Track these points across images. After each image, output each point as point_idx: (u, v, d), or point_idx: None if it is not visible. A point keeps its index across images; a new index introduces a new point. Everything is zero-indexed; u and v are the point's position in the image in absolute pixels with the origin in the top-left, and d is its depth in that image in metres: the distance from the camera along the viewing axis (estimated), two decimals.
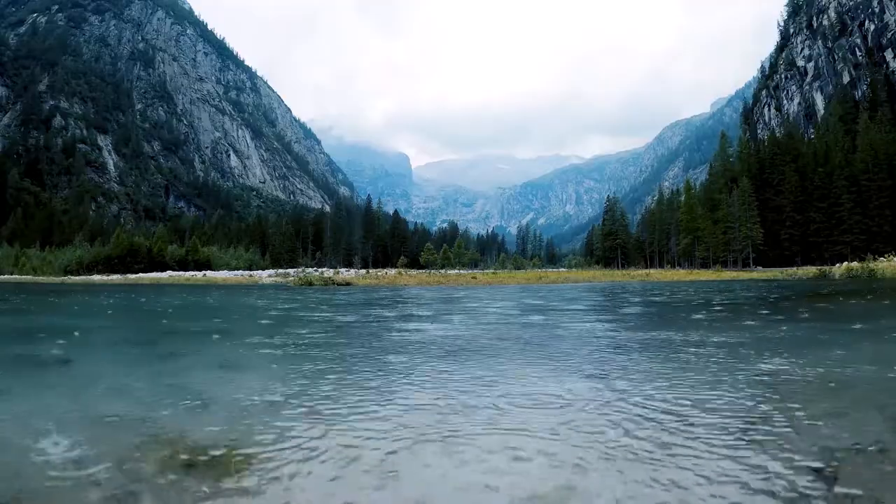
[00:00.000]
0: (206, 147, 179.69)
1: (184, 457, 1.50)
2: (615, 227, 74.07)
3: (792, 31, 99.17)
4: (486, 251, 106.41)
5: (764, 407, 2.03)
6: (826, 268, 26.22)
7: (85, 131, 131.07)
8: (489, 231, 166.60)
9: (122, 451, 1.56)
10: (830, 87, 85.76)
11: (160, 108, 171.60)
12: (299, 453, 1.55)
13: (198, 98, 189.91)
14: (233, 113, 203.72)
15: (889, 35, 78.17)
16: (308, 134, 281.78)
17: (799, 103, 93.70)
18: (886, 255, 26.01)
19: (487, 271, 48.61)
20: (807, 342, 4.07)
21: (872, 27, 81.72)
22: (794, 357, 3.16)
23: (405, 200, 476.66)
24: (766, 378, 2.57)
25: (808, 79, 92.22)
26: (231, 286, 22.63)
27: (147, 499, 1.25)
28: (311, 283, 21.18)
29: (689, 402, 2.10)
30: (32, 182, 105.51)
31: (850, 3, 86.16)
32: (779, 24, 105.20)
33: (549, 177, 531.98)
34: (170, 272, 44.00)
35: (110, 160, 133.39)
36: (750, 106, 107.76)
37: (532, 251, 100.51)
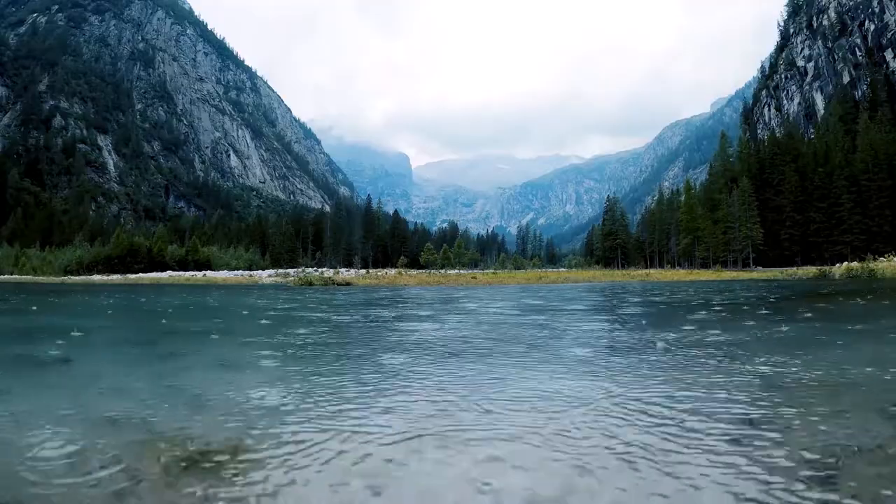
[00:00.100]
0: (206, 147, 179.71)
1: (184, 457, 1.50)
2: (615, 227, 74.08)
3: (792, 31, 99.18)
4: (486, 251, 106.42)
5: (763, 407, 2.03)
6: (826, 268, 26.22)
7: (85, 131, 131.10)
8: (489, 231, 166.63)
9: (122, 451, 1.56)
10: (830, 87, 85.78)
11: (160, 108, 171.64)
12: (299, 453, 1.54)
13: (198, 98, 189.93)
14: (233, 113, 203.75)
15: (889, 35, 78.18)
16: (308, 134, 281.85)
17: (799, 103, 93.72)
18: (886, 255, 26.01)
19: (487, 271, 48.61)
20: (806, 342, 4.07)
21: (872, 27, 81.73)
22: (794, 357, 3.16)
23: (405, 200, 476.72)
24: (765, 378, 2.57)
25: (808, 79, 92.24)
26: (231, 286, 22.63)
27: (147, 499, 1.25)
28: (311, 284, 21.18)
29: (688, 402, 2.10)
30: (32, 182, 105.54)
31: (850, 3, 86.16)
32: (779, 24, 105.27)
33: (549, 177, 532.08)
34: (170, 272, 44.00)
35: (110, 160, 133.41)
36: (750, 106, 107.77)
37: (532, 251, 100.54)
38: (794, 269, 36.02)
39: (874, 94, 70.89)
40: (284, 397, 2.27)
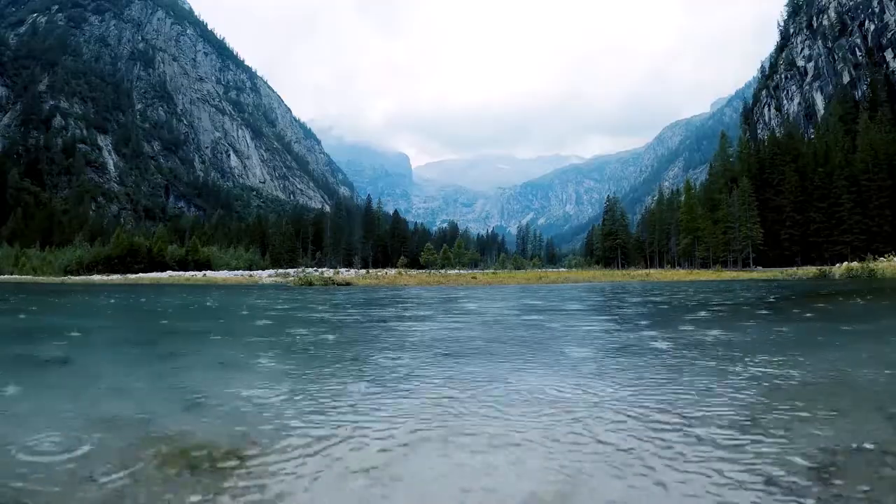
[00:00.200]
0: (206, 147, 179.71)
1: (184, 457, 1.50)
2: (615, 227, 74.06)
3: (792, 31, 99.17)
4: (486, 251, 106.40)
5: (763, 407, 2.04)
6: (826, 268, 26.22)
7: (85, 131, 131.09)
8: (489, 231, 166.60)
9: (122, 451, 1.56)
10: (830, 87, 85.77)
11: (160, 108, 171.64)
12: (299, 453, 1.55)
13: (198, 98, 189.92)
14: (233, 113, 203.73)
15: (889, 35, 78.17)
16: (308, 134, 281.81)
17: (799, 103, 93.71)
18: (886, 255, 26.01)
19: (487, 271, 48.61)
20: (806, 342, 4.07)
21: (872, 27, 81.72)
22: (794, 357, 3.17)
23: (405, 200, 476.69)
24: (765, 378, 2.57)
25: (808, 79, 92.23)
26: (231, 286, 22.63)
27: (147, 499, 1.25)
28: (311, 284, 21.18)
29: (687, 403, 2.11)
30: (32, 182, 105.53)
31: (850, 3, 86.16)
32: (779, 24, 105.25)
33: (549, 177, 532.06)
34: (170, 272, 44.00)
35: (110, 160, 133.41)
36: (750, 106, 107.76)
37: (532, 251, 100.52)
38: (794, 269, 36.02)
39: (874, 94, 70.87)
40: (284, 397, 2.27)
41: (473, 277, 27.67)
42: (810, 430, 1.73)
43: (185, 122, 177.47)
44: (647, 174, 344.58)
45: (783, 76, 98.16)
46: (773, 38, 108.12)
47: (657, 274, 31.97)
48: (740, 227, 53.03)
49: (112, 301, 11.83)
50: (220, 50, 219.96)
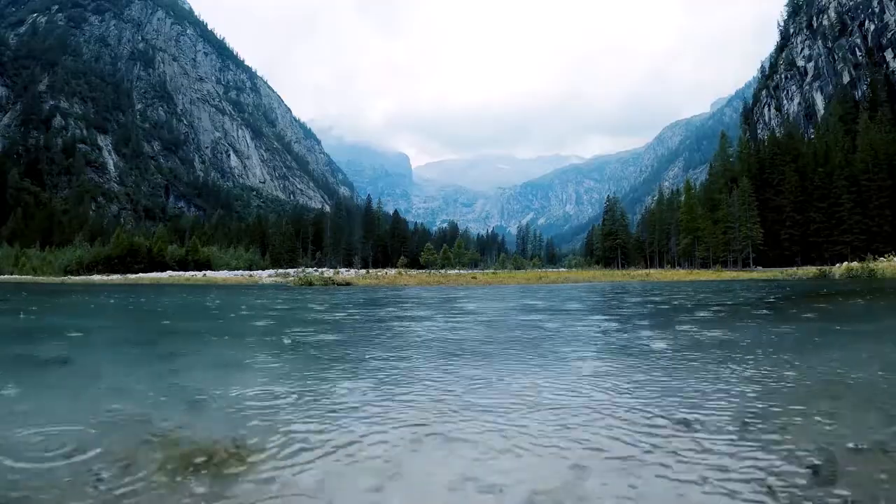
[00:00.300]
0: (206, 147, 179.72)
1: (184, 457, 1.50)
2: (615, 227, 74.07)
3: (792, 31, 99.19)
4: (486, 251, 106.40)
5: (762, 407, 2.04)
6: (826, 268, 26.21)
7: (85, 131, 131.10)
8: (489, 231, 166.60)
9: (122, 451, 1.56)
10: (830, 87, 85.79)
11: (160, 108, 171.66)
12: (299, 453, 1.55)
13: (198, 98, 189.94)
14: (233, 113, 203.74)
15: (889, 35, 78.18)
16: (308, 134, 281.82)
17: (799, 103, 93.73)
18: (886, 255, 26.01)
19: (487, 271, 48.61)
20: (806, 343, 4.07)
21: (872, 27, 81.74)
22: (793, 358, 3.17)
23: (405, 200, 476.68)
24: (764, 378, 2.57)
25: (808, 79, 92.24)
26: (231, 286, 22.62)
27: (147, 499, 1.25)
28: (311, 284, 21.18)
29: (686, 403, 2.11)
30: (32, 182, 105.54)
31: (850, 3, 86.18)
32: (779, 24, 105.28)
33: (549, 177, 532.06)
34: (170, 272, 44.00)
35: (110, 160, 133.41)
36: (750, 106, 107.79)
37: (532, 251, 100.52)
38: (794, 269, 36.02)
39: (874, 94, 70.89)
40: (284, 397, 2.27)
41: (473, 277, 27.67)
42: (810, 430, 1.73)
43: (185, 122, 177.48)
44: (647, 174, 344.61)
45: (783, 76, 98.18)
46: (773, 38, 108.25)
47: (657, 274, 31.97)
48: (740, 227, 53.04)
49: (112, 301, 11.83)
50: (220, 50, 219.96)
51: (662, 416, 1.91)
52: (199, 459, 1.48)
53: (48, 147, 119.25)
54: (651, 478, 1.36)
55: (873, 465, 1.41)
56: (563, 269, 58.33)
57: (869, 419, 1.87)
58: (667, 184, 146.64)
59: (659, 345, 3.82)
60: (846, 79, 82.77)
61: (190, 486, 1.32)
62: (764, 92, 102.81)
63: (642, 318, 6.66)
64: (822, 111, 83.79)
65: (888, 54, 77.69)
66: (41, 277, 45.41)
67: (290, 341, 4.41)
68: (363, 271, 41.43)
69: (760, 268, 45.63)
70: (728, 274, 31.82)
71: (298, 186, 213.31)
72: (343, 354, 3.76)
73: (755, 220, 52.49)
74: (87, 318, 7.70)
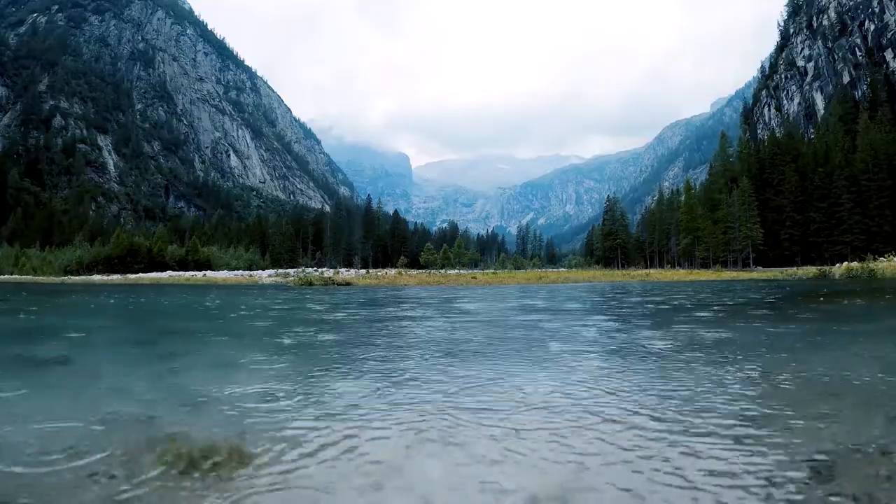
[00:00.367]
0: (206, 147, 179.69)
1: (184, 457, 1.50)
2: (615, 227, 74.04)
3: (792, 31, 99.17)
4: (486, 251, 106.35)
5: (762, 407, 2.04)
6: (826, 268, 26.20)
7: (85, 131, 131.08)
8: (489, 231, 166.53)
9: (123, 451, 1.56)
10: (830, 87, 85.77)
11: (160, 108, 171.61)
12: (299, 453, 1.55)
13: (198, 98, 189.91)
14: (233, 113, 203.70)
15: (889, 35, 78.17)
16: (308, 134, 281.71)
17: (799, 103, 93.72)
18: (886, 255, 26.00)
19: (487, 271, 48.61)
20: (806, 343, 4.08)
21: (872, 27, 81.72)
22: (793, 358, 3.17)
23: (405, 200, 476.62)
24: (764, 378, 2.57)
25: (808, 79, 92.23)
26: (231, 286, 22.62)
27: (147, 499, 1.25)
28: (311, 283, 21.18)
29: (686, 403, 2.11)
30: (32, 182, 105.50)
31: (850, 3, 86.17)
32: (779, 24, 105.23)
33: (549, 177, 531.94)
34: (170, 272, 44.00)
35: (110, 160, 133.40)
36: (750, 106, 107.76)
37: (532, 251, 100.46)
38: (794, 269, 36.01)
39: (874, 94, 70.87)
40: (284, 397, 2.27)
41: (473, 277, 27.67)
42: (810, 430, 1.73)
43: (185, 122, 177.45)
44: (647, 174, 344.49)
45: (783, 76, 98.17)
46: (773, 38, 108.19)
47: (657, 274, 31.97)
48: (740, 227, 53.02)
49: (112, 301, 11.83)
50: (220, 50, 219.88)
51: (662, 417, 1.91)
52: (199, 459, 1.48)
53: (48, 147, 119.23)
54: (651, 477, 1.36)
55: (873, 465, 1.41)
56: (563, 269, 58.33)
57: (869, 419, 1.87)
58: (667, 184, 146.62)
59: (659, 345, 3.82)
60: (846, 79, 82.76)
61: (190, 485, 1.32)
62: (764, 92, 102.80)
63: (642, 318, 6.66)
64: (822, 111, 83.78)
65: (888, 54, 77.67)
66: (41, 277, 45.40)
67: (289, 341, 4.41)
68: (363, 271, 41.43)
69: (760, 268, 45.63)
70: (728, 274, 31.82)
71: (298, 186, 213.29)
72: (343, 354, 3.76)
73: (755, 220, 52.47)
74: (87, 318, 7.70)
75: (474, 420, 1.91)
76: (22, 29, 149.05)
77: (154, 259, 55.51)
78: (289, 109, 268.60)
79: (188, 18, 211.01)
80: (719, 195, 57.63)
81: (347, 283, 20.89)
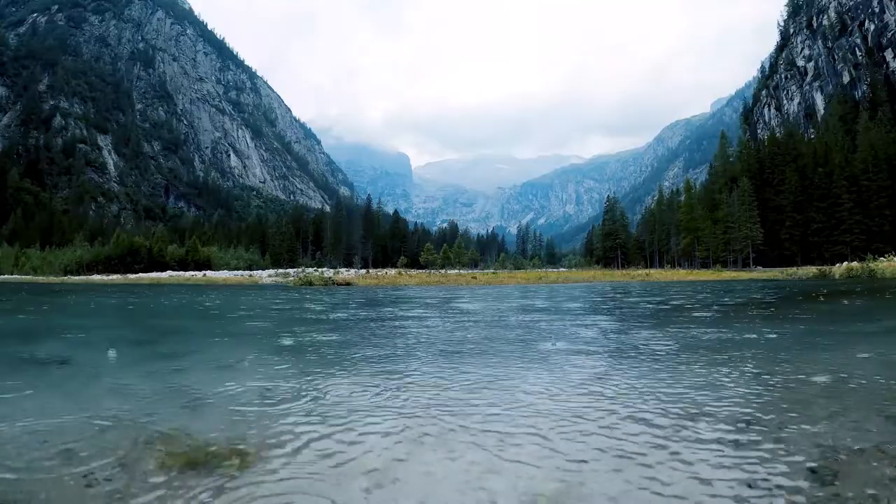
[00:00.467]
0: (206, 147, 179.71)
1: (184, 457, 1.50)
2: (615, 227, 74.03)
3: (792, 31, 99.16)
4: (486, 251, 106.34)
5: (762, 407, 2.04)
6: (826, 268, 26.19)
7: (85, 131, 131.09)
8: (489, 231, 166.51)
9: (122, 451, 1.56)
10: (830, 87, 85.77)
11: (160, 108, 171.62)
12: (299, 453, 1.55)
13: (198, 98, 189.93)
14: (233, 113, 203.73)
15: (889, 35, 78.16)
16: (308, 134, 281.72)
17: (799, 103, 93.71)
18: (886, 255, 26.01)
19: (487, 271, 48.62)
20: (806, 343, 4.07)
21: (872, 27, 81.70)
22: (793, 358, 3.17)
23: (405, 200, 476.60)
24: (764, 378, 2.57)
25: (808, 79, 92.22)
26: (231, 286, 22.62)
27: (147, 499, 1.25)
28: (311, 283, 21.18)
29: (686, 403, 2.11)
30: (32, 182, 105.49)
31: (850, 3, 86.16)
32: (779, 24, 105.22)
33: (549, 177, 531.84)
34: (170, 272, 44.00)
35: (110, 160, 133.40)
36: (750, 106, 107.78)
37: (532, 251, 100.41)
38: (794, 268, 35.98)
39: (874, 94, 70.91)
40: (284, 397, 2.27)
41: (473, 277, 27.68)
42: (810, 430, 1.73)
43: (185, 122, 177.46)
44: (647, 174, 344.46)
45: (783, 76, 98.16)
46: (773, 38, 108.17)
47: (657, 274, 31.97)
48: (740, 227, 53.01)
49: (112, 301, 11.83)
50: (220, 50, 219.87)
51: (662, 417, 1.90)
52: (199, 459, 1.48)
53: (48, 147, 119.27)
54: (651, 478, 1.36)
55: (873, 465, 1.41)
56: (563, 269, 58.32)
57: (869, 419, 1.86)
58: (667, 184, 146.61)
59: (659, 345, 3.82)
60: (846, 79, 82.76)
61: (190, 485, 1.32)
62: (764, 92, 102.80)
63: (642, 318, 6.66)
64: (822, 111, 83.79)
65: (888, 54, 77.66)
66: (41, 277, 45.39)
67: (289, 341, 4.41)
68: (363, 271, 41.44)
69: (760, 268, 45.62)
70: (728, 274, 31.82)
71: (298, 186, 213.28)
72: (343, 355, 3.76)
73: (755, 220, 52.47)
74: (87, 318, 7.70)
75: (474, 420, 1.90)
76: (22, 29, 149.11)
77: (154, 259, 55.53)
78: (289, 109, 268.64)
79: (188, 18, 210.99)
80: (719, 195, 57.62)
81: (347, 283, 20.89)
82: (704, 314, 6.68)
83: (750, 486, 1.28)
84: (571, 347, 3.82)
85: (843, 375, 2.61)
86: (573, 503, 1.23)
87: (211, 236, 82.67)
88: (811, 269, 28.87)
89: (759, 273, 31.76)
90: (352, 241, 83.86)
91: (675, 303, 9.23)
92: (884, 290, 11.75)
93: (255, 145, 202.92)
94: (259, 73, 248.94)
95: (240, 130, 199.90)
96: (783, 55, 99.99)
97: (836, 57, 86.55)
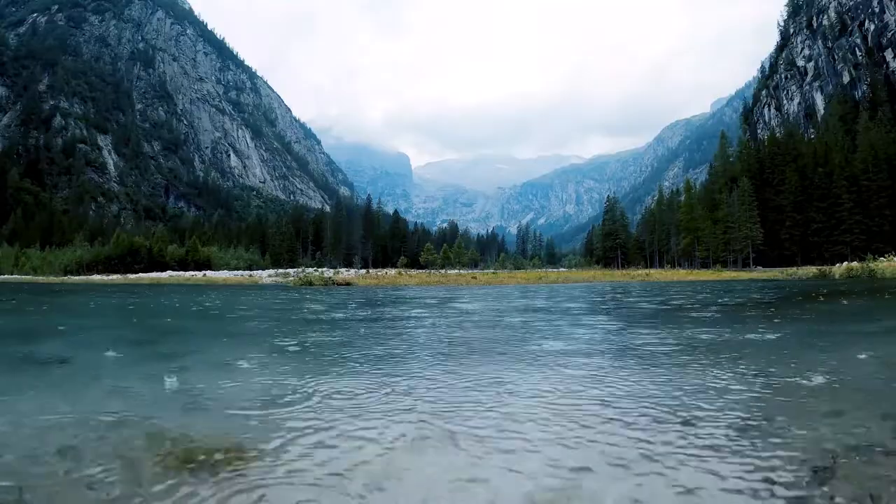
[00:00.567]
0: (206, 147, 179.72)
1: (184, 457, 1.50)
2: (615, 227, 74.03)
3: (792, 31, 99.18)
4: (486, 251, 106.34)
5: (762, 407, 2.04)
6: (826, 268, 26.19)
7: (85, 131, 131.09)
8: (489, 231, 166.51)
9: (122, 451, 1.56)
10: (830, 87, 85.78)
11: (160, 108, 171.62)
12: (299, 453, 1.55)
13: (198, 98, 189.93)
14: (233, 113, 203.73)
15: (889, 35, 78.17)
16: (308, 134, 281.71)
17: (799, 103, 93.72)
18: (886, 255, 26.02)
19: (487, 271, 48.62)
20: (805, 343, 4.08)
21: (872, 27, 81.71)
22: (793, 358, 3.17)
23: (405, 200, 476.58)
24: (764, 378, 2.57)
25: (808, 79, 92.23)
26: (231, 286, 22.62)
27: (147, 499, 1.25)
28: (311, 283, 21.18)
29: (686, 403, 2.11)
30: (32, 182, 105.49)
31: (850, 3, 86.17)
32: (779, 24, 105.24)
33: (549, 177, 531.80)
34: (170, 272, 44.00)
35: (110, 160, 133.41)
36: (750, 106, 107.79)
37: (532, 251, 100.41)
38: (794, 268, 35.98)
39: (874, 94, 70.92)
40: (284, 397, 2.27)
41: (473, 277, 27.68)
42: (810, 430, 1.73)
43: (185, 122, 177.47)
44: (647, 174, 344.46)
45: (783, 76, 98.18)
46: (773, 38, 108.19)
47: (657, 274, 31.97)
48: (740, 227, 53.01)
49: (112, 301, 11.83)
50: (220, 50, 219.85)
51: (662, 417, 1.91)
52: (199, 459, 1.48)
53: (48, 147, 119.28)
54: (651, 478, 1.36)
55: (873, 465, 1.41)
56: (563, 269, 58.32)
57: (869, 419, 1.86)
58: (667, 184, 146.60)
59: (658, 345, 3.82)
60: (846, 79, 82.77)
61: (189, 485, 1.32)
62: (764, 92, 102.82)
63: (641, 318, 6.66)
64: (822, 111, 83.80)
65: (888, 54, 77.66)
66: (41, 277, 45.39)
67: (289, 341, 4.41)
68: (363, 271, 41.45)
69: (760, 268, 45.62)
70: (728, 274, 31.82)
71: (298, 186, 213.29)
72: (343, 355, 3.76)
73: (755, 220, 52.47)
74: (87, 318, 7.70)
75: (473, 421, 1.90)
76: (22, 29, 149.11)
77: (154, 259, 55.54)
78: (289, 109, 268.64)
79: (188, 18, 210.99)
80: (719, 195, 57.63)
81: (347, 283, 20.89)
82: (704, 314, 6.68)
83: (750, 487, 1.28)
84: (571, 348, 3.82)
85: (843, 376, 2.61)
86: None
87: (211, 236, 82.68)
88: (811, 269, 28.87)
89: (759, 273, 31.77)
90: (352, 241, 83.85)
91: (674, 303, 9.23)
92: (884, 290, 11.75)
93: (255, 145, 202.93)
94: (259, 73, 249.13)
95: (240, 130, 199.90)
96: (783, 55, 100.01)
97: (836, 57, 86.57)
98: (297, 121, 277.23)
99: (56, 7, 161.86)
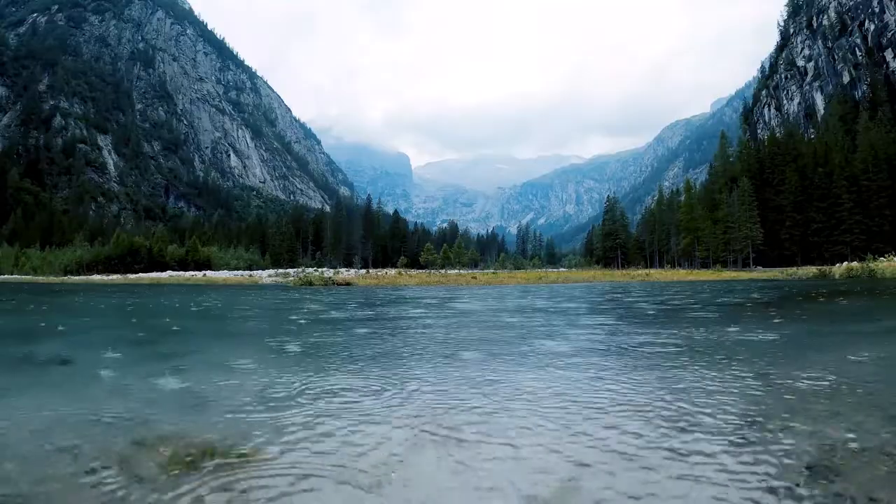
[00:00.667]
0: (206, 147, 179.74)
1: (184, 457, 1.50)
2: (615, 227, 74.03)
3: (792, 31, 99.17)
4: (486, 251, 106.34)
5: (762, 407, 2.04)
6: (826, 268, 26.18)
7: (85, 131, 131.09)
8: (489, 231, 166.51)
9: (122, 451, 1.56)
10: (830, 87, 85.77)
11: (160, 108, 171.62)
12: (299, 454, 1.55)
13: (198, 98, 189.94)
14: (233, 113, 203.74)
15: (889, 35, 78.16)
16: (308, 134, 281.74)
17: (799, 103, 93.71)
18: (886, 255, 26.02)
19: (487, 271, 48.62)
20: (805, 342, 4.08)
21: (872, 27, 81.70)
22: (793, 357, 3.17)
23: (405, 200, 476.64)
24: (764, 378, 2.57)
25: (808, 79, 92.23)
26: (231, 286, 22.62)
27: (147, 499, 1.25)
28: (311, 283, 21.18)
29: (686, 403, 2.11)
30: (32, 182, 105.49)
31: (850, 3, 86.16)
32: (779, 24, 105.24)
33: (549, 177, 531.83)
34: (170, 272, 44.00)
35: (110, 160, 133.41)
36: (750, 106, 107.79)
37: (532, 251, 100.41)
38: (794, 268, 35.97)
39: (874, 94, 70.91)
40: (284, 396, 2.27)
41: (473, 277, 27.68)
42: (810, 430, 1.73)
43: (185, 122, 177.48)
44: (647, 174, 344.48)
45: (783, 76, 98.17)
46: (773, 38, 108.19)
47: (657, 274, 31.97)
48: (740, 227, 53.00)
49: (112, 301, 11.83)
50: (220, 50, 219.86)
51: (662, 417, 1.91)
52: (199, 459, 1.49)
53: (48, 147, 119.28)
54: (651, 478, 1.36)
55: (873, 465, 1.41)
56: (563, 269, 58.31)
57: (869, 419, 1.86)
58: (667, 184, 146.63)
59: (658, 345, 3.82)
60: (846, 79, 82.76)
61: (189, 485, 1.32)
62: (764, 92, 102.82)
63: (641, 318, 6.66)
64: (822, 111, 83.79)
65: (888, 54, 77.65)
66: (41, 277, 45.38)
67: (289, 341, 4.41)
68: (363, 271, 41.45)
69: (760, 268, 45.61)
70: (728, 274, 31.81)
71: (298, 186, 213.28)
72: (343, 354, 3.76)
73: (755, 220, 52.46)
74: (86, 318, 7.70)
75: (474, 420, 1.90)
76: (22, 29, 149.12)
77: (154, 259, 55.54)
78: (289, 109, 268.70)
79: (188, 18, 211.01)
80: (719, 195, 57.63)
81: (347, 283, 20.88)
82: (704, 314, 6.68)
83: (750, 487, 1.27)
84: (570, 348, 3.82)
85: (842, 376, 2.61)
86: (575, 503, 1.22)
87: (211, 236, 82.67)
88: (811, 269, 28.86)
89: (759, 273, 31.76)
90: (352, 241, 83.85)
91: (674, 303, 9.23)
92: (884, 290, 11.75)
93: (255, 145, 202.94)
94: (259, 73, 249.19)
95: (240, 130, 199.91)
96: (783, 55, 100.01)
97: (836, 57, 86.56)
98: (297, 121, 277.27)
99: (56, 7, 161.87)
